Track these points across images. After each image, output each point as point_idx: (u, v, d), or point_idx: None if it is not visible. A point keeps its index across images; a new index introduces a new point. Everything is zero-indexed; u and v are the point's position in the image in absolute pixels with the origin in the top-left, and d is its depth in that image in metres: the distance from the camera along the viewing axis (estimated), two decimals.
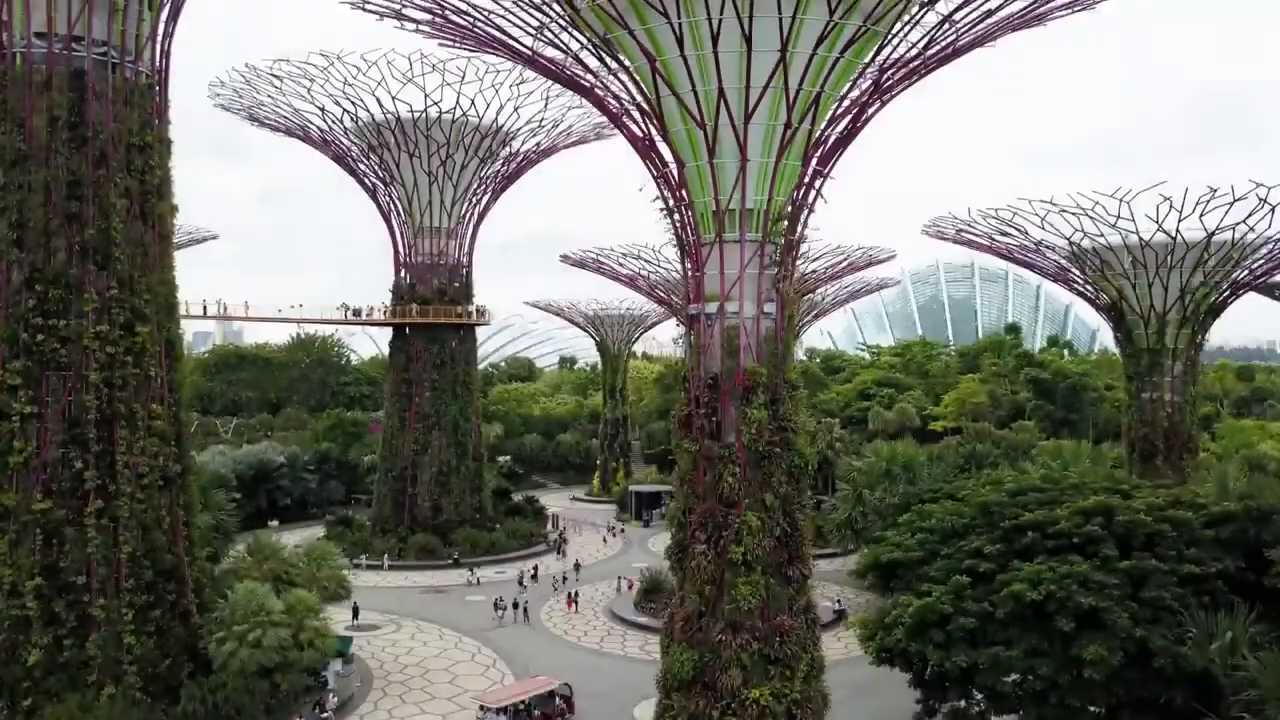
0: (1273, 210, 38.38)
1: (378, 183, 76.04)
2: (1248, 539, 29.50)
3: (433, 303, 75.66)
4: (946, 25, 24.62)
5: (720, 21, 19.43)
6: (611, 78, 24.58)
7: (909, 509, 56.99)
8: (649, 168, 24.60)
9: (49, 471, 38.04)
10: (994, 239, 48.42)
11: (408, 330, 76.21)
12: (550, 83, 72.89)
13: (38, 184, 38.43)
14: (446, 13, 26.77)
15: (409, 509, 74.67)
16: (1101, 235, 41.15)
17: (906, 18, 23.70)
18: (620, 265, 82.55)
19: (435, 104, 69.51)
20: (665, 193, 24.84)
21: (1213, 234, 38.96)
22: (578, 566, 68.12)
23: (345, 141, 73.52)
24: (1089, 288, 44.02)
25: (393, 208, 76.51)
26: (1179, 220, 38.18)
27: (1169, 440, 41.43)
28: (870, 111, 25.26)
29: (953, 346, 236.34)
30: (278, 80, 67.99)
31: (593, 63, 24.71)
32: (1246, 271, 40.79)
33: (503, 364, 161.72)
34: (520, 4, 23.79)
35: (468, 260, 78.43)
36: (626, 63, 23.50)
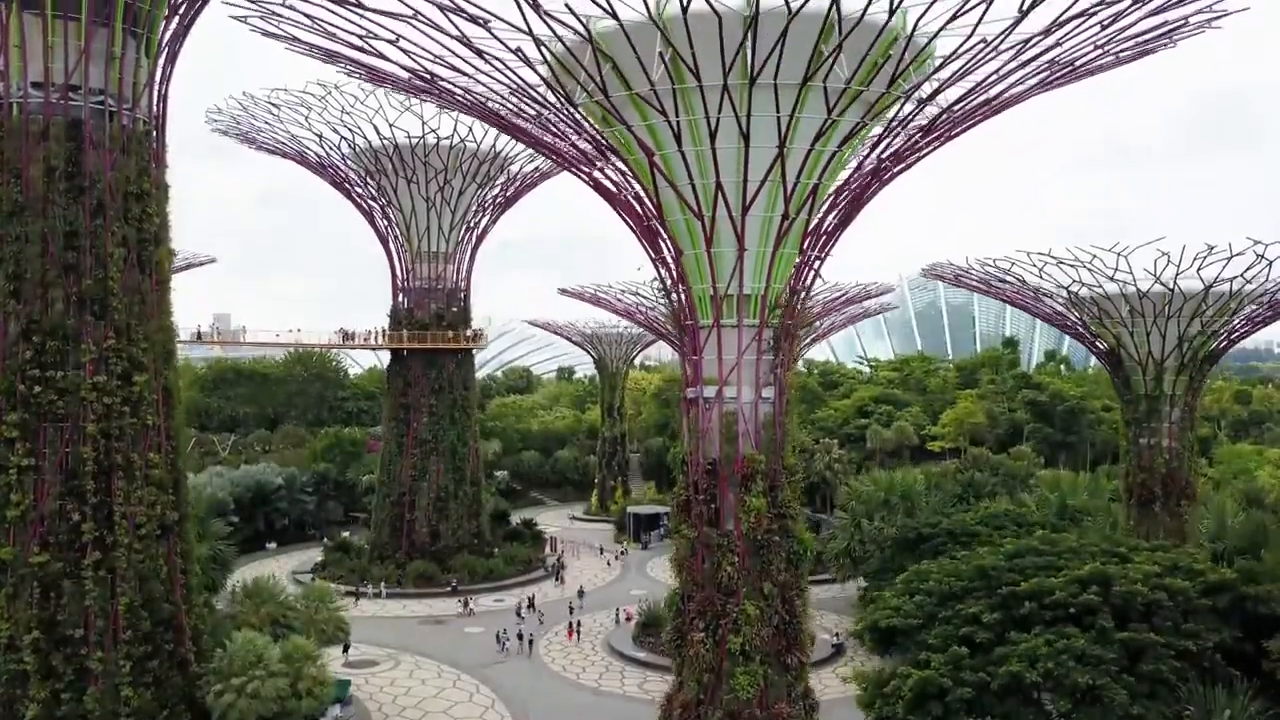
0: (1270, 265, 38.45)
1: (375, 207, 75.97)
2: (1245, 609, 29.49)
3: (430, 327, 75.62)
4: (943, 114, 24.60)
5: (718, 120, 19.42)
6: (609, 166, 24.56)
7: (908, 543, 57.26)
8: (646, 250, 24.58)
9: (46, 524, 37.94)
10: (991, 285, 48.48)
11: (405, 354, 76.14)
12: None
13: (35, 235, 38.31)
14: (456, 96, 26.73)
15: (407, 534, 74.64)
16: (1099, 286, 41.20)
17: (904, 112, 23.71)
18: (618, 300, 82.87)
19: (433, 131, 69.49)
20: (663, 275, 24.83)
21: (1210, 286, 39.04)
22: (581, 593, 68.32)
23: (343, 168, 73.45)
24: (1087, 333, 44.02)
25: (390, 232, 76.45)
26: (1176, 274, 38.25)
27: (1167, 486, 41.42)
28: (868, 195, 25.29)
29: (951, 359, 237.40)
30: (275, 108, 67.92)
31: (590, 149, 24.67)
32: (1244, 320, 40.83)
33: (500, 375, 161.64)
34: (519, 95, 23.75)
35: (466, 284, 78.38)
36: (624, 158, 23.52)
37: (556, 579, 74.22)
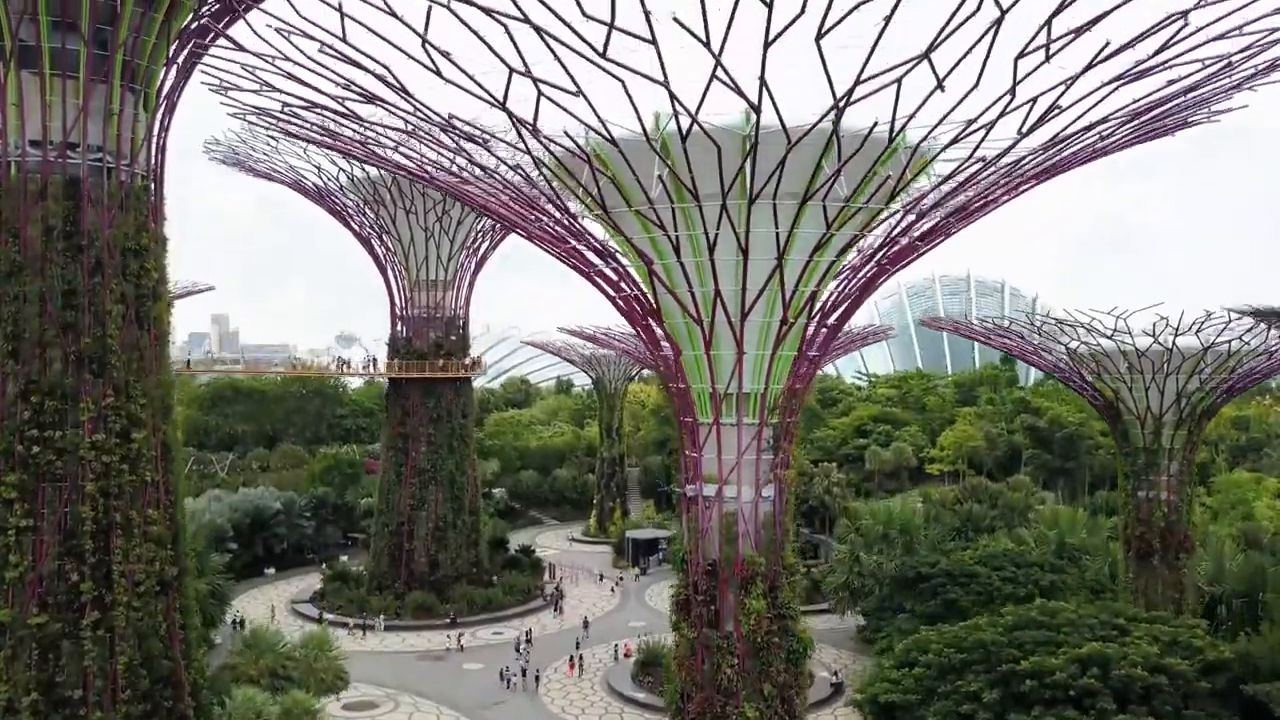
0: (1268, 329, 38.52)
1: (373, 235, 75.92)
2: (1243, 693, 29.49)
3: (429, 356, 75.59)
4: (943, 220, 24.64)
5: (717, 234, 19.41)
6: (609, 266, 24.53)
7: (906, 582, 57.24)
8: (646, 344, 24.55)
9: (45, 585, 37.78)
10: (990, 337, 48.61)
11: (404, 383, 76.07)
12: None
13: (33, 294, 38.12)
14: (465, 187, 26.77)
15: (405, 564, 74.61)
16: (1098, 344, 41.20)
17: (904, 221, 23.72)
18: (618, 341, 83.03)
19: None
20: (663, 371, 24.80)
21: (1209, 347, 39.10)
22: (586, 624, 68.60)
23: (341, 197, 73.39)
24: (1086, 386, 44.00)
25: (389, 260, 76.40)
26: (1175, 335, 38.27)
27: (1165, 540, 41.42)
28: (867, 295, 25.32)
29: (949, 369, 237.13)
30: (273, 139, 67.80)
31: (589, 252, 24.71)
32: (1242, 377, 40.89)
33: (499, 388, 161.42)
34: (518, 200, 23.75)
35: (465, 311, 78.36)
36: (624, 261, 23.53)
37: (555, 609, 74.22)
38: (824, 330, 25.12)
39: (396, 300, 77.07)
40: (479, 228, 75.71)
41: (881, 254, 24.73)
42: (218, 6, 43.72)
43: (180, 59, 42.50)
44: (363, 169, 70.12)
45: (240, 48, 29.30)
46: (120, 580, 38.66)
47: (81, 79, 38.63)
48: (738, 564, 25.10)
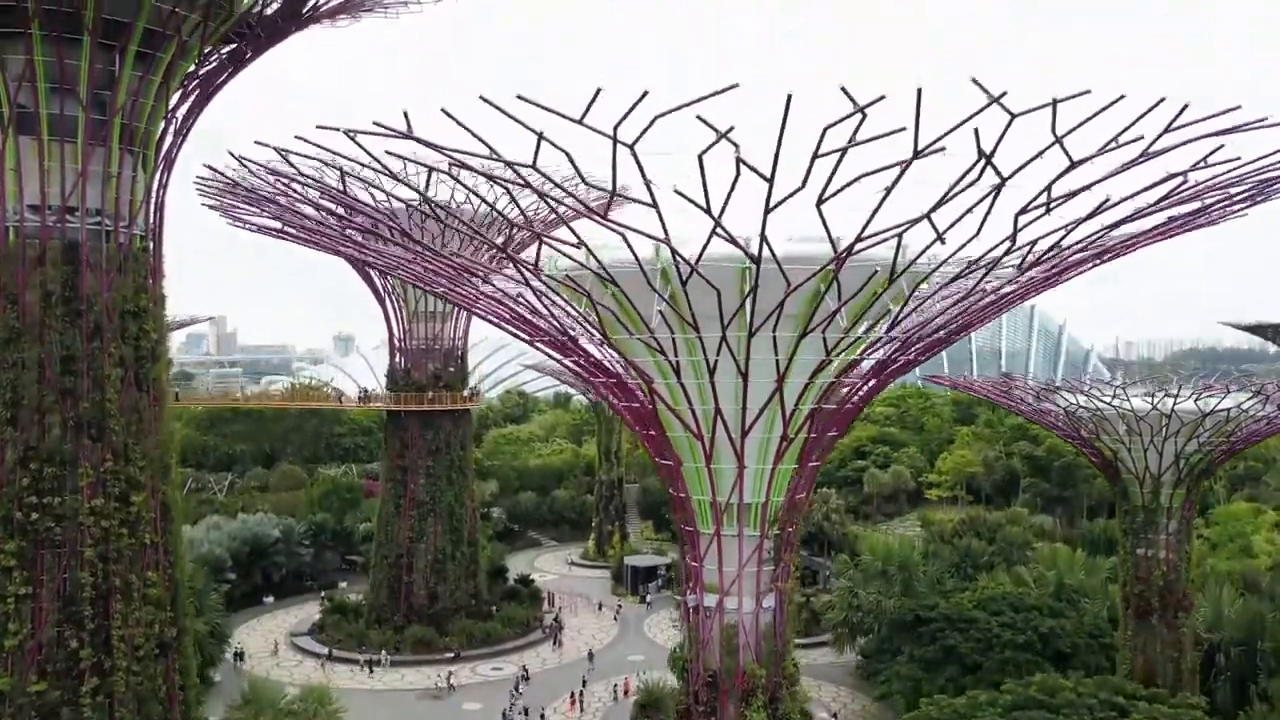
0: (1267, 398, 38.60)
1: (371, 270, 75.77)
2: None
3: (428, 388, 75.53)
4: (936, 336, 24.76)
5: (717, 360, 19.46)
6: (611, 381, 24.60)
7: (905, 625, 57.27)
8: (648, 451, 24.59)
9: (44, 652, 37.80)
10: (992, 395, 48.73)
11: (402, 415, 76.02)
12: (547, 168, 73.17)
13: (32, 361, 38.09)
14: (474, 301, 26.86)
15: (405, 596, 74.61)
16: (1097, 407, 41.28)
17: (902, 344, 23.77)
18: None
19: (430, 200, 69.22)
20: (664, 478, 24.85)
21: (1208, 413, 39.19)
22: (591, 656, 68.96)
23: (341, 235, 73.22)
24: (1085, 444, 44.07)
25: (387, 291, 76.31)
26: (1174, 403, 38.30)
27: (1164, 599, 41.46)
28: (865, 404, 25.34)
29: (947, 373, 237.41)
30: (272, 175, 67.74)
31: (589, 365, 24.80)
32: (1241, 439, 40.94)
33: (497, 402, 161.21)
34: (515, 324, 23.90)
35: (463, 343, 78.30)
36: (626, 375, 23.57)
37: (555, 642, 74.24)
38: (825, 441, 25.20)
39: (395, 331, 76.99)
40: (476, 258, 75.58)
41: (882, 370, 24.81)
42: (215, 65, 43.79)
43: (178, 120, 42.54)
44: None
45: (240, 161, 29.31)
46: (120, 645, 38.68)
47: (80, 143, 38.62)
48: (738, 676, 25.16)
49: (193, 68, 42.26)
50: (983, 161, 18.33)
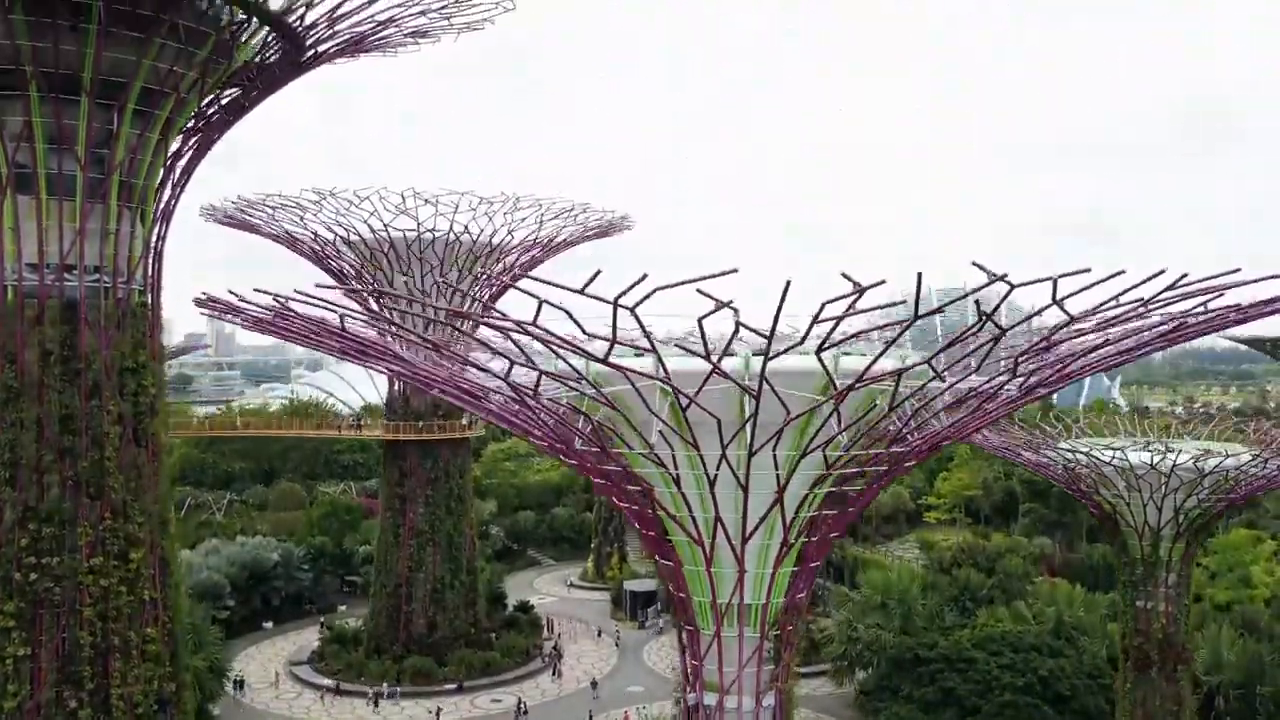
0: (1265, 462, 38.69)
1: (370, 296, 75.67)
2: None
3: (426, 417, 75.38)
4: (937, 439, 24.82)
5: (717, 474, 19.48)
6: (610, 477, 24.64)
7: (904, 664, 57.28)
8: (646, 545, 24.62)
9: (43, 712, 37.80)
10: (987, 447, 48.87)
11: (401, 444, 75.95)
12: (545, 205, 73.27)
13: (30, 420, 38.10)
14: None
15: (404, 626, 74.53)
16: (1097, 464, 41.32)
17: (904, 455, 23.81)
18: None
19: (429, 230, 69.43)
20: (664, 577, 24.78)
21: (1206, 473, 39.25)
22: (595, 685, 69.07)
23: (338, 262, 73.30)
24: (1084, 496, 44.09)
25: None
26: (1174, 460, 38.34)
27: (1163, 652, 41.43)
28: (865, 506, 25.44)
29: None
30: (270, 210, 67.91)
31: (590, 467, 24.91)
32: (1241, 495, 40.98)
33: None
34: (515, 428, 23.98)
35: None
36: (624, 479, 23.55)
37: (554, 673, 74.13)
38: (826, 542, 25.23)
39: None
40: (474, 291, 75.63)
41: (882, 477, 24.84)
42: (213, 116, 43.70)
43: (175, 174, 42.49)
44: (356, 233, 70.15)
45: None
46: (119, 703, 38.67)
47: (78, 201, 38.62)
48: None
49: (191, 122, 42.22)
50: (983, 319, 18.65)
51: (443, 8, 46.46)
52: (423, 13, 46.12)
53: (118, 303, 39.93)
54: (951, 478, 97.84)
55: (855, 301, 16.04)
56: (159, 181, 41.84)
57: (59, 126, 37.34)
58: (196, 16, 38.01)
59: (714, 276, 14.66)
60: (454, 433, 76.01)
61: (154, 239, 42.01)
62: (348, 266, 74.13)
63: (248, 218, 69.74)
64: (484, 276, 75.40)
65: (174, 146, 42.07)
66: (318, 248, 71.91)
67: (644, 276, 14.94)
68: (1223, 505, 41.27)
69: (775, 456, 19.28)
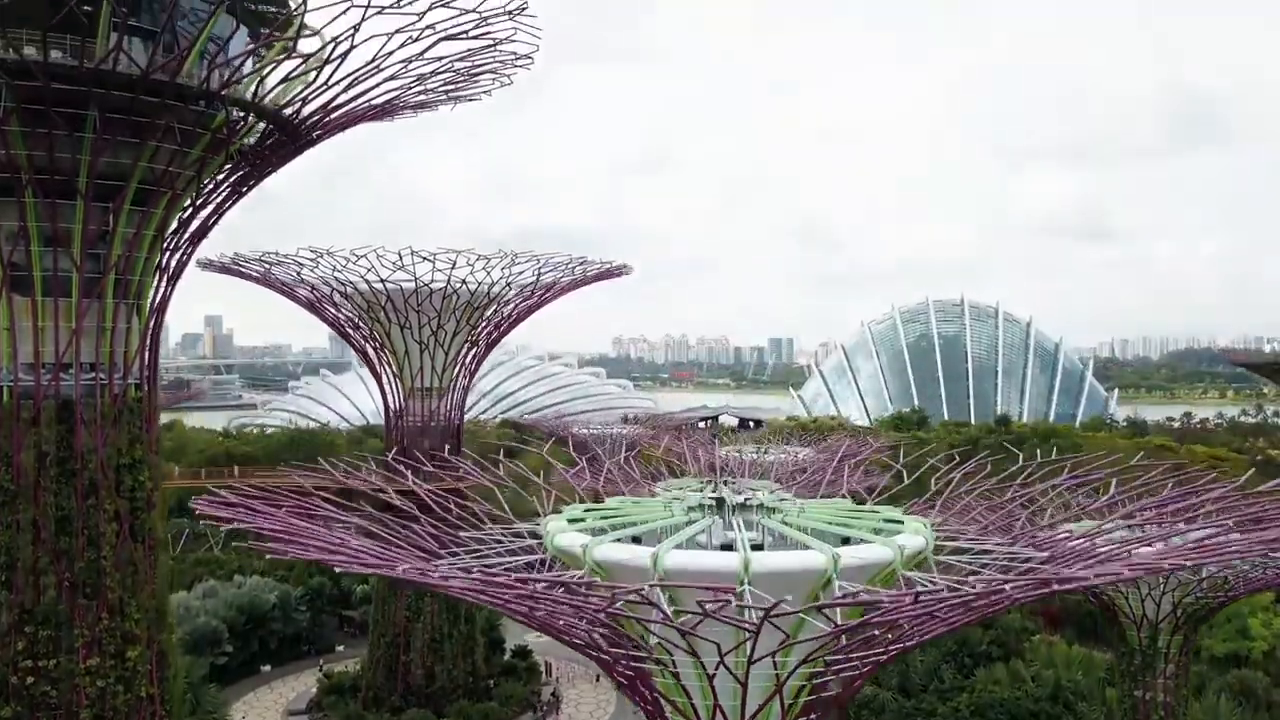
0: (1265, 568, 38.70)
1: (369, 346, 75.67)
2: None
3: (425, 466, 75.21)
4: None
5: (716, 671, 19.44)
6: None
7: None
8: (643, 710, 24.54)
9: None
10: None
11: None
12: (544, 257, 73.22)
13: (26, 523, 38.03)
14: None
15: (402, 677, 74.42)
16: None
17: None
18: None
19: (426, 285, 69.32)
20: None
21: (1205, 578, 39.28)
22: None
23: (337, 313, 73.19)
24: (1081, 589, 43.94)
25: (384, 370, 76.11)
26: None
27: None
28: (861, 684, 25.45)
29: (943, 390, 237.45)
30: (266, 265, 67.80)
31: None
32: (1241, 590, 41.02)
33: (493, 437, 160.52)
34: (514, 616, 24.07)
35: (459, 418, 78.13)
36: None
37: None
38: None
39: (392, 408, 76.80)
40: (473, 338, 75.57)
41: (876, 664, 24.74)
42: (208, 207, 43.51)
43: (172, 268, 42.35)
44: (353, 287, 70.06)
45: None
46: None
47: (74, 301, 38.53)
48: None
49: (186, 213, 42.08)
50: None
51: (443, 88, 46.36)
52: (422, 92, 46.03)
53: (114, 399, 39.86)
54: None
55: None
56: (155, 278, 41.69)
57: (55, 229, 37.24)
58: (194, 118, 37.88)
59: None
60: (453, 482, 75.76)
61: (150, 331, 41.89)
62: (344, 317, 74.04)
63: (242, 271, 69.58)
64: (482, 325, 75.36)
65: (171, 231, 41.93)
66: (314, 299, 71.79)
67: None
68: (1222, 601, 41.32)
69: (775, 661, 19.27)
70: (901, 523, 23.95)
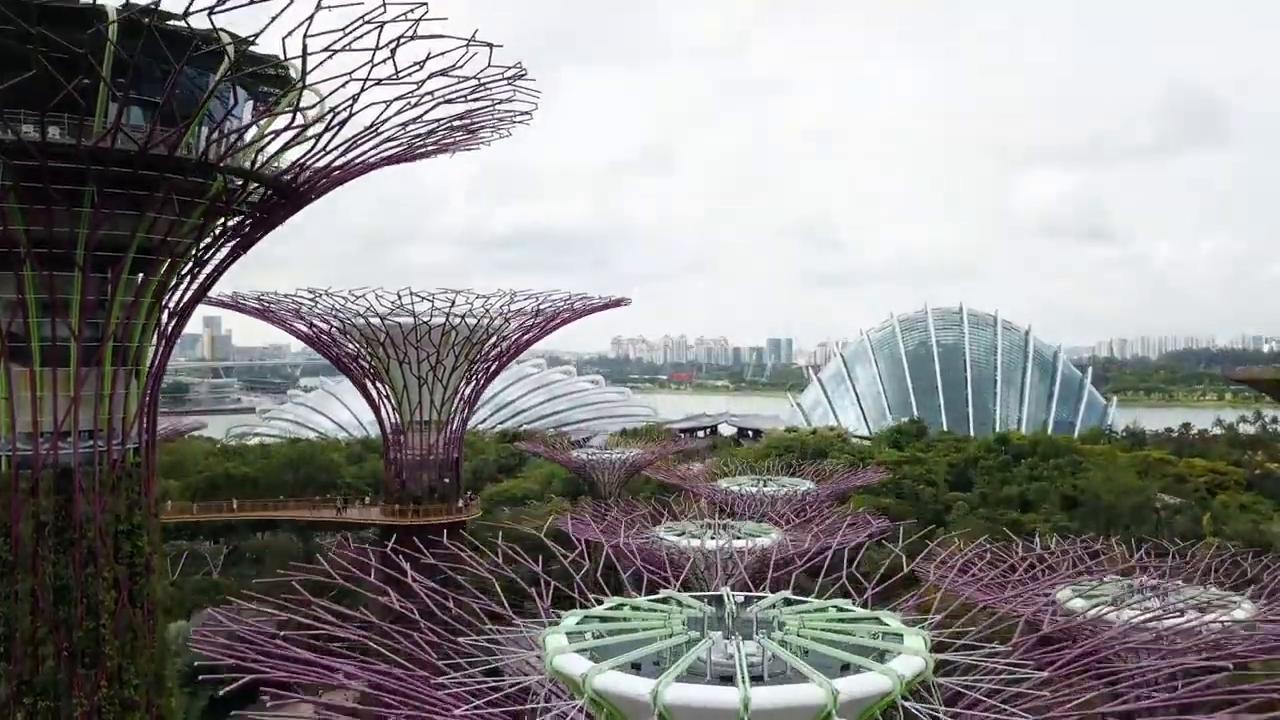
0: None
1: (368, 379, 75.68)
2: None
3: (423, 501, 75.31)
4: None
5: None
6: None
7: None
8: None
9: None
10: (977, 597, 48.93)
11: (397, 527, 75.84)
12: (541, 297, 73.27)
13: (25, 593, 37.95)
14: None
15: None
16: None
17: None
18: None
19: (425, 323, 69.32)
20: None
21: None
22: None
23: (335, 349, 73.21)
24: None
25: (382, 403, 76.10)
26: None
27: None
28: None
29: (942, 401, 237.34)
30: (266, 304, 67.85)
31: None
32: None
33: (491, 455, 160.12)
34: None
35: (458, 452, 78.11)
36: None
37: None
38: None
39: (390, 442, 76.81)
40: (471, 372, 75.59)
41: None
42: (205, 270, 43.42)
43: (169, 332, 42.30)
44: (352, 324, 70.08)
45: None
46: None
47: (72, 369, 38.45)
48: None
49: (186, 276, 42.03)
50: None
51: (441, 143, 46.35)
52: (420, 149, 46.01)
53: (112, 465, 39.80)
54: (947, 546, 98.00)
55: None
56: (153, 343, 41.63)
57: (53, 301, 37.17)
58: (192, 186, 37.82)
59: None
60: (451, 516, 75.84)
61: (148, 393, 41.84)
62: (345, 352, 74.03)
63: (241, 306, 69.62)
64: (480, 360, 75.35)
65: (167, 302, 41.88)
66: (314, 335, 71.81)
67: None
68: None
69: None
70: (900, 636, 23.89)
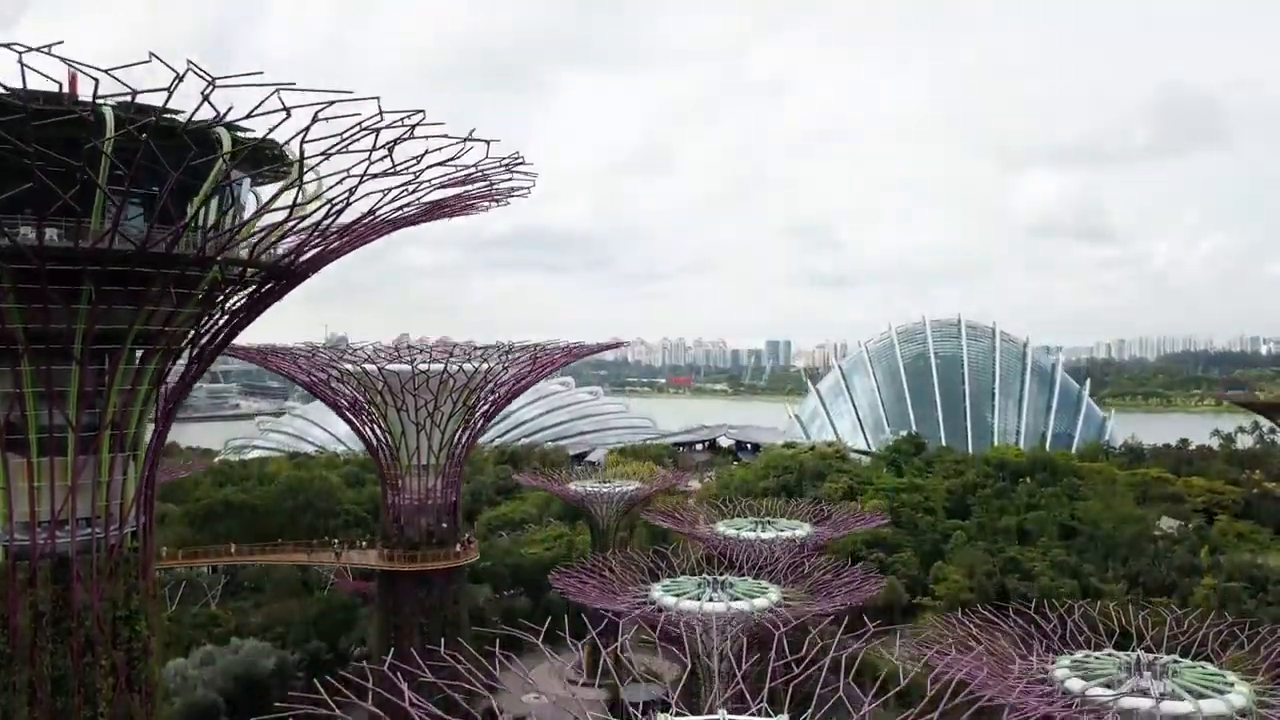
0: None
1: (366, 425, 75.65)
2: None
3: (421, 546, 75.29)
4: None
5: None
6: None
7: None
8: None
9: None
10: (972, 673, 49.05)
11: (396, 572, 75.83)
12: (538, 348, 73.28)
13: (22, 684, 37.95)
14: None
15: None
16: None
17: None
18: None
19: (422, 371, 69.31)
20: None
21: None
22: None
23: (334, 396, 73.19)
24: None
25: (381, 448, 76.06)
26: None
27: None
28: None
29: (940, 414, 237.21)
30: (264, 355, 67.82)
31: None
32: None
33: (489, 476, 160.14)
34: None
35: (455, 496, 78.08)
36: None
37: None
38: None
39: (388, 487, 76.76)
40: (469, 418, 75.57)
41: None
42: (202, 353, 43.40)
43: (167, 412, 42.27)
44: (349, 374, 70.10)
45: None
46: None
47: (70, 458, 38.42)
48: None
49: (183, 359, 42.02)
50: None
51: (435, 218, 46.39)
52: (416, 224, 46.05)
53: (110, 551, 39.75)
54: (946, 578, 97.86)
55: None
56: (150, 426, 41.59)
57: (50, 392, 37.14)
58: (191, 278, 37.79)
59: None
60: (449, 561, 75.87)
61: (146, 477, 41.78)
62: (343, 399, 73.99)
63: (243, 355, 69.67)
64: (479, 405, 75.31)
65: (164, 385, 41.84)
66: (313, 383, 71.80)
67: None
68: None
69: None
70: None
